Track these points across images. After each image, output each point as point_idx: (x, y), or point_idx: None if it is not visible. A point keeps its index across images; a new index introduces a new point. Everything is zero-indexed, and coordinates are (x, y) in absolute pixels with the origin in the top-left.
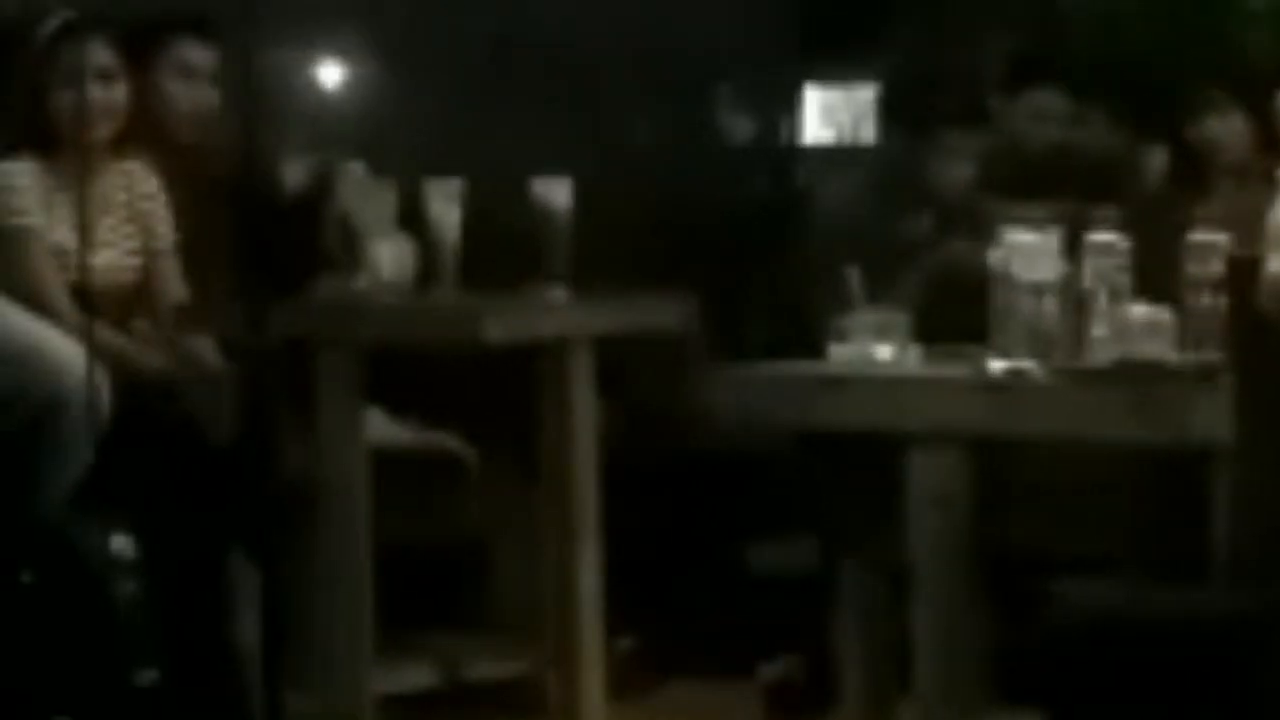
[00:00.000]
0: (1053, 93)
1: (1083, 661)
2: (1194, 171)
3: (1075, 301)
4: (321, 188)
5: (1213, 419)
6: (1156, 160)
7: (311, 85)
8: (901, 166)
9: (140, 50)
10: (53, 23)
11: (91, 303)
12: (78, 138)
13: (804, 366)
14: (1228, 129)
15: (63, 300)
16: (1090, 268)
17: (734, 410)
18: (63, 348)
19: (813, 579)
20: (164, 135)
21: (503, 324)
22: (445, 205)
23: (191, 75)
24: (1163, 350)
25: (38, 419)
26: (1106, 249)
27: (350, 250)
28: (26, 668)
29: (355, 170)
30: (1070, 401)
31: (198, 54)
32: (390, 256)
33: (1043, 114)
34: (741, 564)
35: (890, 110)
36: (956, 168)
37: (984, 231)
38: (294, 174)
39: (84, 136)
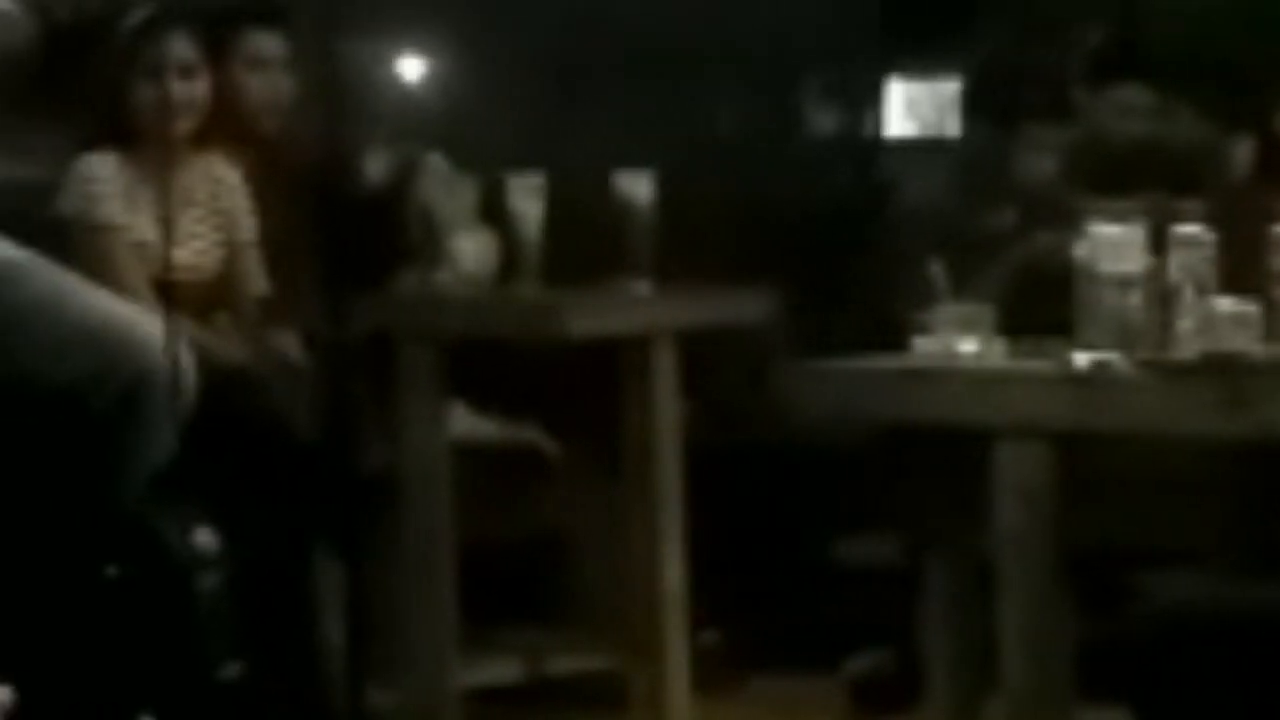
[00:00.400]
0: (1137, 86)
1: (1169, 657)
2: None
3: (1160, 295)
4: (403, 181)
5: None
6: (1242, 153)
7: (394, 78)
8: (986, 161)
9: (212, 42)
10: (135, 17)
11: (173, 296)
12: (160, 132)
13: (887, 360)
14: None
15: (144, 294)
16: (1176, 261)
17: (817, 404)
18: (149, 325)
19: (898, 574)
20: (243, 128)
21: (585, 318)
22: (527, 200)
23: (263, 65)
24: (1249, 343)
25: (127, 395)
26: (1192, 242)
27: (431, 243)
28: (112, 663)
29: (437, 163)
30: (1155, 395)
31: (267, 44)
32: (471, 250)
33: (1127, 108)
34: (826, 558)
35: (974, 104)
36: (1041, 162)
37: (1069, 225)
38: (376, 167)
39: (166, 131)
